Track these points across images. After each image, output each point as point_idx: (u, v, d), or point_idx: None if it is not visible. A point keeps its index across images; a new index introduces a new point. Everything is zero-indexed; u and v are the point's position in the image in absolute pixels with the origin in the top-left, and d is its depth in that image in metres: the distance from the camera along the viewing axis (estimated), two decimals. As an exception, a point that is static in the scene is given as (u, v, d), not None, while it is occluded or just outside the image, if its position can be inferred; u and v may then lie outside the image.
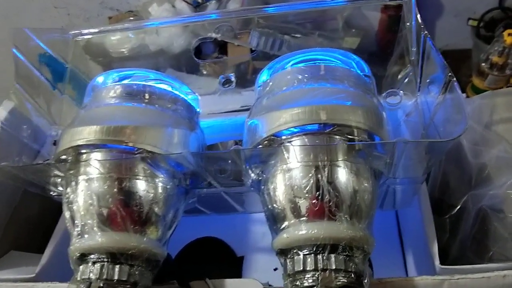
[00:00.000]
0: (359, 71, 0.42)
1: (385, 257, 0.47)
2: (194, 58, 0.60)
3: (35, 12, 1.15)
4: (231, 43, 0.96)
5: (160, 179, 0.39)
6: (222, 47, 0.98)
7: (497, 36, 0.85)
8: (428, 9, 0.98)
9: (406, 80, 0.44)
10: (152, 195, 0.38)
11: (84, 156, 0.38)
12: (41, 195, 0.44)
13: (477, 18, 0.94)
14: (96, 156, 0.38)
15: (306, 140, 0.35)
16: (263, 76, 0.44)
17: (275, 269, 0.54)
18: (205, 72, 1.02)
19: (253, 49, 0.95)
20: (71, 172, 0.38)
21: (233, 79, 0.50)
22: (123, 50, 1.00)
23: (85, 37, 0.49)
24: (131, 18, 1.04)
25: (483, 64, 0.83)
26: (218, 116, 0.58)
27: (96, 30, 0.49)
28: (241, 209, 0.52)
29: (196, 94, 0.47)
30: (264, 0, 1.02)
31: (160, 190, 0.39)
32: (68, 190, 0.38)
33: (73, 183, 0.38)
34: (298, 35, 0.97)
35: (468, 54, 0.98)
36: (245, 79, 0.93)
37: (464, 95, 0.47)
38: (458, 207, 0.42)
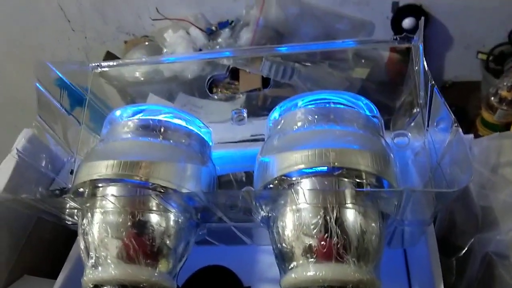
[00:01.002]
0: (367, 112, 0.43)
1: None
2: (207, 92, 0.62)
3: (53, 34, 1.18)
4: (242, 70, 0.98)
5: (172, 213, 0.40)
6: (233, 74, 1.00)
7: (506, 71, 0.86)
8: (439, 40, 0.99)
9: (414, 121, 0.45)
10: (164, 228, 0.40)
11: (101, 189, 0.39)
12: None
13: (487, 51, 0.95)
14: (112, 190, 0.39)
15: (315, 181, 0.36)
16: (274, 114, 0.45)
17: (281, 301, 0.54)
18: (216, 97, 1.05)
19: (264, 76, 0.97)
20: (88, 204, 0.39)
21: (245, 114, 0.52)
22: (138, 74, 1.02)
23: (104, 69, 0.51)
24: (146, 43, 1.07)
25: (492, 98, 0.84)
26: (229, 147, 0.59)
27: (114, 63, 0.51)
28: (250, 241, 0.53)
29: (209, 128, 0.49)
30: (275, 29, 1.05)
31: (172, 224, 0.40)
32: (84, 221, 0.39)
33: (89, 214, 0.39)
34: (309, 64, 0.99)
35: (477, 86, 0.99)
36: (256, 108, 0.95)
37: (471, 135, 0.48)
38: (465, 249, 0.42)
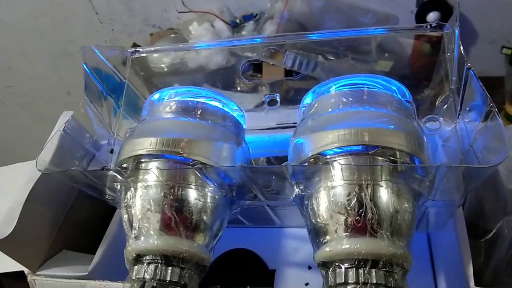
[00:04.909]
0: (400, 96, 0.44)
1: (416, 278, 0.48)
2: (241, 77, 0.64)
3: (81, 26, 1.21)
4: (266, 62, 1.00)
5: (210, 189, 0.42)
6: (257, 66, 1.01)
7: (531, 66, 0.86)
8: (463, 35, 0.99)
9: (445, 106, 0.46)
10: (202, 203, 0.41)
11: (143, 165, 0.42)
12: (90, 200, 0.48)
13: (511, 46, 0.95)
14: (154, 165, 0.41)
15: (350, 159, 0.38)
16: (307, 99, 0.47)
17: (307, 284, 0.55)
18: (239, 89, 1.06)
19: (287, 69, 0.99)
20: (131, 179, 0.41)
21: (278, 99, 0.54)
22: (163, 65, 1.05)
23: (142, 55, 0.53)
24: (172, 36, 1.10)
25: (516, 92, 0.84)
26: (257, 133, 0.61)
27: (152, 49, 0.53)
28: (279, 222, 0.55)
29: (243, 111, 0.50)
30: (299, 22, 1.06)
31: (209, 200, 0.42)
32: (128, 195, 0.41)
33: (132, 189, 0.41)
34: (332, 57, 1.00)
35: (501, 82, 0.99)
36: (280, 98, 0.96)
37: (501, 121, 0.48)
38: (493, 231, 0.43)
